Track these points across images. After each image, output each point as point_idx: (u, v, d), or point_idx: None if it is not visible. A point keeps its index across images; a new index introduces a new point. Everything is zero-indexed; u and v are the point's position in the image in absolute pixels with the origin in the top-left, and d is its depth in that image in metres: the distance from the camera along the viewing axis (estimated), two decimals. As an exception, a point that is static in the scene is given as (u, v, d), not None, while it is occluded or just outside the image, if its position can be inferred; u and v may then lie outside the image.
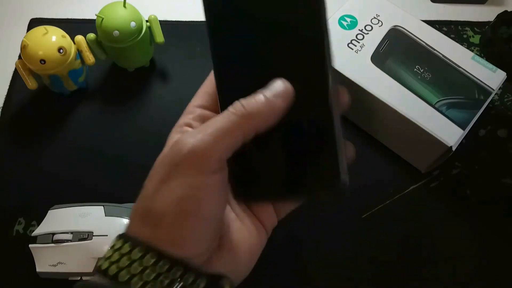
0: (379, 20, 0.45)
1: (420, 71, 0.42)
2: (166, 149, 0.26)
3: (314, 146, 0.25)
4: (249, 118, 0.23)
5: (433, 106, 0.40)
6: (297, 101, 0.24)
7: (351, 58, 0.43)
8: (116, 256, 0.23)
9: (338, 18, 0.45)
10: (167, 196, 0.23)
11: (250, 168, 0.26)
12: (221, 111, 0.25)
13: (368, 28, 0.45)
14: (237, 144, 0.23)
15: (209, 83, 0.28)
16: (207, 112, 0.27)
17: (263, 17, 0.26)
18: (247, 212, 0.27)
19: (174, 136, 0.26)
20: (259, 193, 0.26)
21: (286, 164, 0.25)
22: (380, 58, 0.43)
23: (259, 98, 0.23)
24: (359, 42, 0.44)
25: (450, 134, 0.39)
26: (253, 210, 0.27)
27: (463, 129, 0.40)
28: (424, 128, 0.39)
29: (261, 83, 0.24)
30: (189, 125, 0.26)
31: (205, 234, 0.23)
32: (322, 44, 0.25)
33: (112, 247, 0.24)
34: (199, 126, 0.24)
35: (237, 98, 0.24)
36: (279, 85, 0.24)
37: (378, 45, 0.44)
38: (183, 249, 0.22)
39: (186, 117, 0.27)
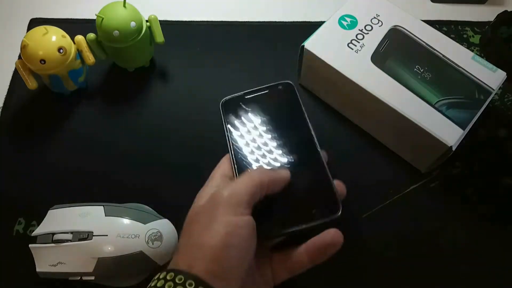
0: (379, 20, 0.45)
1: (420, 71, 0.42)
2: (201, 201, 0.33)
3: (318, 192, 0.35)
4: (263, 174, 0.33)
5: (433, 106, 0.40)
6: (300, 166, 0.36)
7: (351, 58, 0.43)
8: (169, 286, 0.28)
9: (338, 18, 0.45)
10: (215, 232, 0.29)
11: (269, 211, 0.34)
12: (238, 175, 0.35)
13: (368, 28, 0.45)
14: (260, 194, 0.32)
15: (225, 159, 0.37)
16: (228, 179, 0.36)
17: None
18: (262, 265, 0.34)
19: (208, 191, 0.33)
20: (276, 230, 0.33)
21: (298, 205, 0.34)
22: (380, 58, 0.43)
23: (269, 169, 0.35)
24: (359, 42, 0.44)
25: (450, 134, 0.39)
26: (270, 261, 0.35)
27: (463, 129, 0.40)
28: (424, 128, 0.39)
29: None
30: (218, 186, 0.34)
31: (244, 268, 0.30)
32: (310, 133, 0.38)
33: (160, 277, 0.28)
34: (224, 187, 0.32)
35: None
36: (284, 171, 0.35)
37: (378, 45, 0.44)
38: (227, 281, 0.28)
39: (213, 181, 0.35)
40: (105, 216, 0.39)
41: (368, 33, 0.44)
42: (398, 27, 0.45)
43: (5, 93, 0.50)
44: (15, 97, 0.49)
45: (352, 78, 0.42)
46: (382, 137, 0.46)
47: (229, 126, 0.39)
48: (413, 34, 0.44)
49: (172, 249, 0.39)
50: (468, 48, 0.44)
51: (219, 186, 0.34)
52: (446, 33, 0.46)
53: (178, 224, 0.41)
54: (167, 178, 0.45)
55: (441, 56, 0.43)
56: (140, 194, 0.44)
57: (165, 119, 0.48)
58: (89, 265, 0.38)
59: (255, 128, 0.39)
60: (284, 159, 0.37)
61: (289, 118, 0.39)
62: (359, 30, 0.44)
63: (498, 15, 0.52)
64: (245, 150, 0.37)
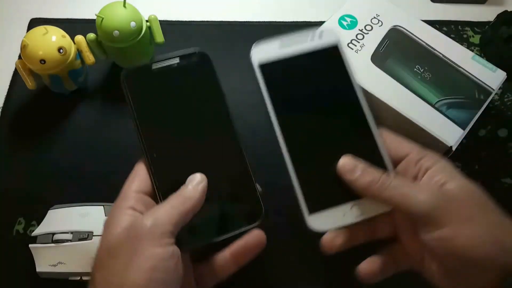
0: (379, 20, 0.45)
1: (420, 71, 0.42)
2: (116, 229, 0.29)
3: (241, 196, 0.33)
4: (186, 201, 0.30)
5: (433, 106, 0.40)
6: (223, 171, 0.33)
7: (351, 58, 0.43)
8: None
9: (338, 18, 0.45)
10: (138, 269, 0.27)
11: (190, 222, 0.31)
12: (158, 195, 0.32)
13: (368, 28, 0.45)
14: (184, 220, 0.30)
15: (141, 172, 0.33)
16: (145, 197, 0.31)
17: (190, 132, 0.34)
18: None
19: (124, 218, 0.29)
20: (200, 239, 0.32)
21: (220, 213, 0.33)
22: (380, 58, 0.43)
23: (188, 188, 0.31)
24: (359, 42, 0.44)
25: (450, 134, 0.39)
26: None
27: (463, 129, 0.40)
28: (424, 128, 0.39)
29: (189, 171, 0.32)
30: (134, 209, 0.30)
31: None
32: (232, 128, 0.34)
33: None
34: (143, 209, 0.30)
35: (170, 185, 0.32)
36: (197, 176, 0.32)
37: (378, 45, 0.44)
38: None
39: (128, 201, 0.31)
40: (105, 216, 0.40)
41: (368, 33, 0.44)
42: (398, 27, 0.45)
43: (5, 93, 0.49)
44: (15, 97, 0.49)
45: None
46: (382, 137, 0.46)
47: (138, 117, 0.33)
48: (413, 34, 0.44)
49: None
50: (468, 48, 0.44)
51: (135, 209, 0.30)
52: (446, 33, 0.46)
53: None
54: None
55: (441, 56, 0.43)
56: (140, 194, 0.43)
57: (165, 119, 0.48)
58: (89, 265, 0.37)
59: (171, 118, 0.33)
60: (204, 161, 0.33)
61: (206, 100, 0.34)
62: (359, 30, 0.44)
63: (498, 15, 0.52)
64: (162, 153, 0.33)
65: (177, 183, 0.32)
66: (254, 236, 0.33)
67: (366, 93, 0.41)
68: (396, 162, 0.33)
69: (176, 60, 0.34)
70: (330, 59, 0.35)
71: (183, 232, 0.30)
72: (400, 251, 0.33)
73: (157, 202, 0.31)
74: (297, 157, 0.33)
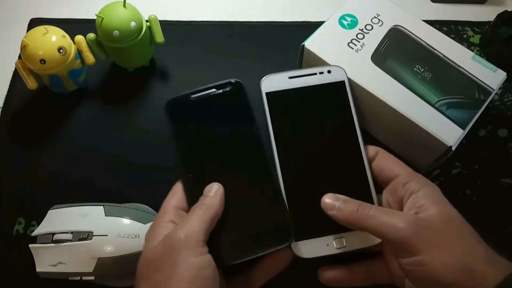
0: (379, 20, 0.45)
1: (420, 70, 0.42)
2: (154, 243, 0.31)
3: (272, 217, 0.34)
4: (208, 209, 0.32)
5: (433, 106, 0.40)
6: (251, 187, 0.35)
7: (351, 58, 0.43)
8: None
9: (338, 18, 0.45)
10: (181, 279, 0.29)
11: (223, 241, 0.33)
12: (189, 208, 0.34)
13: (369, 27, 0.45)
14: (210, 227, 0.32)
15: (178, 190, 0.35)
16: (182, 212, 0.34)
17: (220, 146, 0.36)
18: None
19: (162, 231, 0.32)
20: (232, 257, 0.33)
21: (250, 232, 0.34)
22: (380, 57, 0.43)
23: (208, 198, 0.33)
24: (359, 42, 0.44)
25: (450, 134, 0.39)
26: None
27: (463, 129, 0.40)
28: (424, 127, 0.39)
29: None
30: (172, 222, 0.33)
31: None
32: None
33: None
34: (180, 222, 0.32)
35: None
36: (213, 186, 0.34)
37: (379, 44, 0.44)
38: None
39: (166, 216, 0.33)
40: (105, 216, 0.40)
41: (368, 33, 0.44)
42: (398, 27, 0.45)
43: (5, 93, 0.49)
44: (15, 97, 0.49)
45: (352, 78, 0.42)
46: (381, 136, 0.46)
47: (178, 141, 0.36)
48: (413, 34, 0.44)
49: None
50: (468, 48, 0.44)
51: (173, 222, 0.33)
52: (446, 33, 0.46)
53: (178, 224, 0.41)
54: (167, 178, 0.45)
55: (441, 56, 0.43)
56: (140, 194, 0.44)
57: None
58: (89, 265, 0.38)
59: (207, 142, 0.36)
60: (236, 181, 0.35)
61: (241, 130, 0.37)
62: (359, 29, 0.44)
63: (498, 15, 0.52)
64: (199, 176, 0.35)
65: None
66: (284, 254, 0.35)
67: (366, 93, 0.41)
68: (387, 182, 0.35)
69: (213, 90, 0.38)
70: (335, 93, 0.38)
71: (215, 251, 0.31)
72: (381, 266, 0.35)
73: None
74: (289, 184, 0.35)
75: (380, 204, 0.36)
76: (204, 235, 0.31)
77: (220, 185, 0.34)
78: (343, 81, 0.38)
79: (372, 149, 0.38)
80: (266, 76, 0.38)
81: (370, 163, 0.37)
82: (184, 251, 0.29)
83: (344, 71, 0.38)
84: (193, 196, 0.34)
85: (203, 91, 0.38)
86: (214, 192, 0.34)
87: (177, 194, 0.35)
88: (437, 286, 0.29)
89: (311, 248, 0.34)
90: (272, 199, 0.35)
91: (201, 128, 0.37)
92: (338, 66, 0.39)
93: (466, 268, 0.29)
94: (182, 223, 0.31)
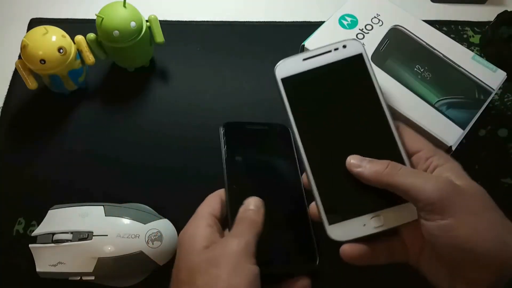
0: (379, 20, 0.45)
1: (420, 70, 0.42)
2: (198, 246, 0.32)
3: (298, 241, 0.37)
4: (253, 225, 0.32)
5: (433, 106, 0.40)
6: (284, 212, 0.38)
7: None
8: None
9: (338, 18, 0.45)
10: (243, 277, 0.29)
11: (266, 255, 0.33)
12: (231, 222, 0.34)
13: (369, 27, 0.45)
14: (257, 241, 0.32)
15: (212, 199, 0.36)
16: (216, 219, 0.35)
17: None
18: None
19: (206, 231, 0.33)
20: (272, 268, 0.35)
21: (277, 248, 0.36)
22: (380, 57, 0.43)
23: (250, 212, 0.34)
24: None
25: (450, 133, 0.39)
26: None
27: (463, 128, 0.40)
28: (424, 127, 0.39)
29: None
30: (211, 226, 0.33)
31: None
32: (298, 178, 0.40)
33: None
34: (216, 229, 0.33)
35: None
36: (256, 201, 0.34)
37: (378, 44, 0.44)
38: None
39: (205, 221, 0.34)
40: (105, 216, 0.40)
41: (368, 33, 0.44)
42: (398, 27, 0.44)
43: (5, 93, 0.49)
44: (15, 97, 0.49)
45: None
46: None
47: (229, 160, 0.38)
48: (413, 34, 0.44)
49: (172, 249, 0.39)
50: (468, 48, 0.44)
51: (212, 227, 0.33)
52: (446, 33, 0.46)
53: (178, 224, 0.41)
54: (167, 178, 0.45)
55: (442, 56, 0.43)
56: (140, 194, 0.44)
57: (165, 119, 0.48)
58: (89, 265, 0.38)
59: (256, 168, 0.39)
60: (272, 205, 0.36)
61: (282, 163, 0.41)
62: (359, 29, 0.44)
63: (498, 15, 0.52)
64: (241, 195, 0.35)
65: None
66: (304, 282, 0.35)
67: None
68: (408, 156, 0.33)
69: (265, 127, 0.43)
70: (354, 68, 0.35)
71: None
72: (399, 243, 0.33)
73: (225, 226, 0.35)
74: (317, 168, 0.34)
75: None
76: (255, 248, 0.31)
77: (261, 201, 0.34)
78: (361, 54, 0.35)
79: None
80: (280, 62, 0.36)
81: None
82: (244, 258, 0.30)
83: (361, 43, 0.35)
84: (236, 207, 0.35)
85: (257, 125, 0.42)
86: (257, 208, 0.34)
87: (212, 202, 0.35)
88: (465, 254, 0.28)
89: (348, 229, 0.33)
90: (302, 222, 0.37)
91: (251, 154, 0.40)
92: (353, 39, 0.36)
93: (499, 238, 0.27)
94: (239, 234, 0.32)
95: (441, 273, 0.30)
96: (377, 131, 0.34)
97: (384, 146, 0.34)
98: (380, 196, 0.32)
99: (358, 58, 0.35)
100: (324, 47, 0.35)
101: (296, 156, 0.41)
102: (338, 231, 0.33)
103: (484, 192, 0.30)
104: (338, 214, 0.33)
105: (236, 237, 0.31)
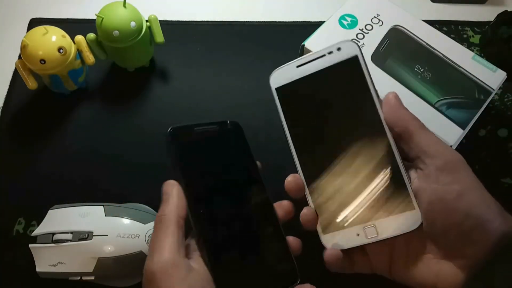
0: (379, 20, 0.45)
1: (420, 70, 0.42)
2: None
3: (277, 259, 0.33)
4: (169, 220, 0.31)
5: (433, 106, 0.41)
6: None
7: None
8: None
9: (338, 18, 0.45)
10: None
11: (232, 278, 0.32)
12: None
13: (369, 27, 0.45)
14: (181, 235, 0.31)
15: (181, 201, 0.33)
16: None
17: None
18: None
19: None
20: None
21: (254, 273, 0.32)
22: (380, 57, 0.43)
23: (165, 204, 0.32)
24: (359, 42, 0.44)
25: (450, 133, 0.39)
26: None
27: (463, 129, 0.40)
28: (424, 127, 0.39)
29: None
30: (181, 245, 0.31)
31: None
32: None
33: None
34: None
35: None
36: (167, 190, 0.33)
37: (379, 44, 0.44)
38: None
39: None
40: (105, 216, 0.40)
41: (368, 33, 0.44)
42: (398, 27, 0.45)
43: (5, 93, 0.49)
44: (15, 97, 0.49)
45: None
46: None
47: (182, 169, 0.34)
48: (413, 34, 0.44)
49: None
50: (468, 48, 0.44)
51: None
52: (446, 33, 0.46)
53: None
54: (167, 177, 0.45)
55: (442, 56, 0.43)
56: (140, 194, 0.44)
57: (165, 119, 0.48)
58: (89, 265, 0.38)
59: (209, 177, 0.35)
60: (239, 221, 0.34)
61: (237, 161, 0.37)
62: (359, 29, 0.44)
63: (498, 15, 0.52)
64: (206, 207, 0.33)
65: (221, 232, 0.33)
66: None
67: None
68: (403, 164, 0.33)
69: (214, 126, 0.37)
70: (349, 72, 0.34)
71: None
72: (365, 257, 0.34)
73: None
74: (312, 178, 0.34)
75: (409, 179, 0.32)
76: (179, 251, 0.30)
77: (173, 182, 0.33)
78: (356, 56, 0.33)
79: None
80: (274, 71, 0.35)
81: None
82: (165, 278, 0.28)
83: (356, 44, 0.33)
84: (208, 232, 0.32)
85: (205, 125, 0.37)
86: (169, 194, 0.32)
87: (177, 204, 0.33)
88: (470, 220, 0.28)
89: (342, 239, 0.32)
90: (276, 239, 0.34)
91: (202, 160, 0.36)
92: (348, 40, 0.34)
93: (501, 211, 0.29)
94: (151, 252, 0.30)
95: (424, 271, 0.31)
96: (372, 137, 0.33)
97: (379, 153, 0.33)
98: (374, 206, 0.32)
99: (353, 61, 0.33)
100: (318, 52, 0.34)
101: (252, 153, 0.37)
102: (332, 240, 0.33)
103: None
104: (332, 223, 0.33)
105: (151, 258, 0.30)
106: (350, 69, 0.33)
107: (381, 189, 0.32)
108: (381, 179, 0.32)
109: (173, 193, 0.33)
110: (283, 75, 0.35)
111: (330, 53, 0.34)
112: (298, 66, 0.35)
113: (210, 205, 0.33)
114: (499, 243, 0.28)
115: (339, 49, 0.34)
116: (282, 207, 0.35)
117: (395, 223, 0.31)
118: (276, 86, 0.35)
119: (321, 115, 0.34)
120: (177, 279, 0.28)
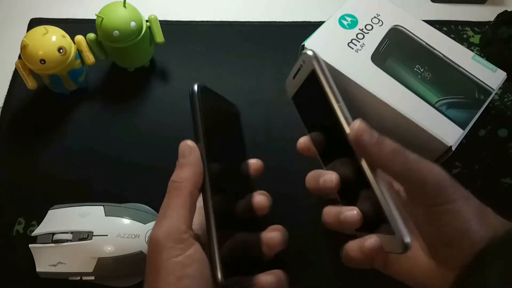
0: (379, 20, 0.45)
1: (420, 70, 0.42)
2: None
3: None
4: (183, 188, 0.31)
5: (433, 106, 0.40)
6: None
7: (351, 58, 0.43)
8: None
9: (338, 18, 0.45)
10: (167, 283, 0.28)
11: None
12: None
13: (369, 27, 0.45)
14: (192, 209, 0.30)
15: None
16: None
17: None
18: None
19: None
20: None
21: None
22: (380, 57, 0.43)
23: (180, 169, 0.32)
24: (359, 42, 0.44)
25: (449, 133, 0.39)
26: None
27: (463, 128, 0.40)
28: (423, 127, 0.39)
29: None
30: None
31: None
32: None
33: None
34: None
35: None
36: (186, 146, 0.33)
37: (379, 44, 0.44)
38: None
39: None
40: (105, 216, 0.40)
41: (368, 33, 0.44)
42: (398, 27, 0.44)
43: (5, 93, 0.50)
44: (15, 97, 0.49)
45: (352, 78, 0.42)
46: (382, 137, 0.46)
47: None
48: (413, 34, 0.44)
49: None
50: (468, 48, 0.44)
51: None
52: (446, 33, 0.46)
53: (178, 224, 0.41)
54: (167, 178, 0.45)
55: (442, 56, 0.43)
56: (140, 194, 0.44)
57: (165, 119, 0.48)
58: (89, 265, 0.38)
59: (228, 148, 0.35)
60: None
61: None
62: (359, 29, 0.44)
63: (498, 15, 0.52)
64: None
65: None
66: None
67: (366, 93, 0.41)
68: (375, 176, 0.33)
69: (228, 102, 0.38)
70: (313, 86, 0.33)
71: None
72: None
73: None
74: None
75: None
76: (186, 223, 0.29)
77: (192, 144, 0.31)
78: (313, 71, 0.33)
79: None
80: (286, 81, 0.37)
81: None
82: (166, 252, 0.28)
83: (313, 55, 0.33)
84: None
85: (223, 98, 0.38)
86: (186, 158, 0.31)
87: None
88: (462, 234, 0.29)
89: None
90: None
91: (222, 128, 0.36)
92: (306, 52, 0.34)
93: (485, 219, 0.30)
94: (160, 218, 0.30)
95: (415, 269, 0.31)
96: (340, 149, 0.33)
97: (347, 164, 0.33)
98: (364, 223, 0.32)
99: (313, 76, 0.33)
100: (296, 63, 0.35)
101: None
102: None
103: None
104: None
105: (158, 227, 0.29)
106: (314, 83, 0.34)
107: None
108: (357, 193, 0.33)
109: (191, 158, 0.31)
110: (289, 85, 0.38)
111: (301, 66, 0.35)
112: (293, 78, 0.37)
113: (224, 176, 0.32)
114: (486, 245, 0.28)
115: (303, 62, 0.35)
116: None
117: (383, 240, 0.32)
118: (290, 96, 0.38)
119: (318, 121, 0.36)
120: (178, 253, 0.28)
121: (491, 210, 0.31)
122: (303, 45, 0.44)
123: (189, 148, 0.31)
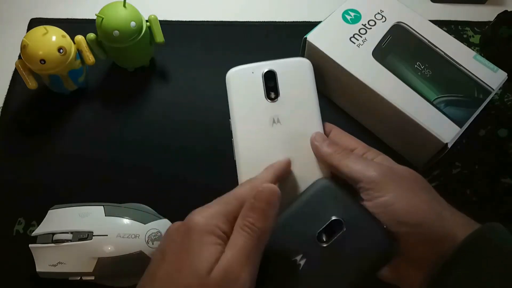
0: (382, 16, 0.45)
1: (420, 67, 0.42)
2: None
3: None
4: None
5: (431, 103, 0.41)
6: None
7: (353, 52, 0.43)
8: None
9: (342, 12, 0.45)
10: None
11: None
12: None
13: (372, 23, 0.45)
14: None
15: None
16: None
17: None
18: None
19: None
20: None
21: None
22: (381, 53, 0.43)
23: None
24: (361, 37, 0.44)
25: (446, 131, 0.39)
26: None
27: (460, 126, 0.40)
28: (420, 124, 0.39)
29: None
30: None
31: None
32: None
33: None
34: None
35: None
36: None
37: (380, 40, 0.44)
38: None
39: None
40: (105, 216, 0.39)
41: (371, 28, 0.44)
42: (401, 24, 0.45)
43: (5, 93, 0.49)
44: (15, 97, 0.49)
45: (352, 72, 0.42)
46: (380, 132, 0.46)
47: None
48: (416, 31, 0.44)
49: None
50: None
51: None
52: (446, 33, 0.46)
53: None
54: (167, 178, 0.45)
55: (443, 54, 0.43)
56: (140, 194, 0.44)
57: (165, 119, 0.48)
58: (89, 265, 0.38)
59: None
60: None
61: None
62: (362, 24, 0.44)
63: (498, 15, 0.52)
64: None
65: None
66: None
67: (366, 87, 0.41)
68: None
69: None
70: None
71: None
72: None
73: None
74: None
75: None
76: (222, 220, 0.28)
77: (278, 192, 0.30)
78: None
79: (327, 126, 0.37)
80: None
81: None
82: (191, 245, 0.27)
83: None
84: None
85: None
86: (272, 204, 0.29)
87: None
88: (406, 229, 0.30)
89: None
90: None
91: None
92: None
93: (433, 210, 0.30)
94: (208, 205, 0.30)
95: (390, 270, 0.31)
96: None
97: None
98: None
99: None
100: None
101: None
102: None
103: (419, 175, 0.32)
104: None
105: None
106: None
107: None
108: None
109: (275, 202, 0.29)
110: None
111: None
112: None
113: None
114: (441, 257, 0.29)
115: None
116: None
117: None
118: None
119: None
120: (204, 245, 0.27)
121: (456, 209, 0.31)
122: (306, 38, 0.44)
123: (274, 195, 0.29)
